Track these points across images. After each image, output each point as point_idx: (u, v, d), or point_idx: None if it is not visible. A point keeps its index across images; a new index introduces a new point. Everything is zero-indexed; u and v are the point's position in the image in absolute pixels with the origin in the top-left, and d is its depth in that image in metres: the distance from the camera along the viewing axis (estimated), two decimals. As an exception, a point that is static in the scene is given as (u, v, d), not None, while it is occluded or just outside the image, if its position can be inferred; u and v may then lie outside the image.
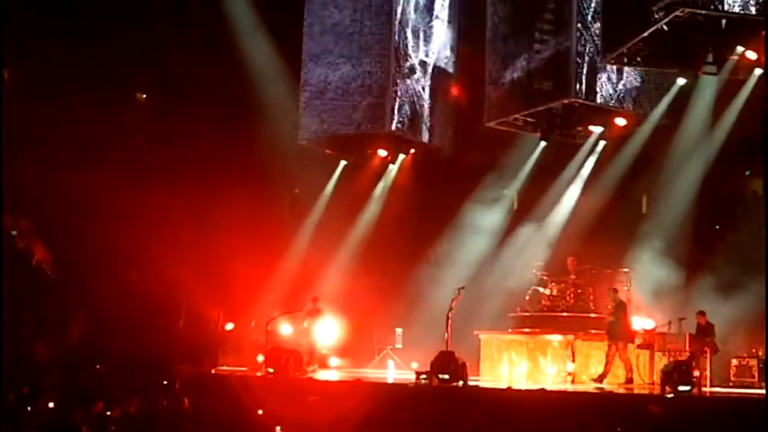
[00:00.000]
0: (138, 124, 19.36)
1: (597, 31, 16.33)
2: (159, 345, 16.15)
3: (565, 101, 17.49)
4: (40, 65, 18.61)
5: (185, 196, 18.57)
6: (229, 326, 18.26)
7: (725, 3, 13.81)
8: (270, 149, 19.37)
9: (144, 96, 20.51)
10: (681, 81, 17.46)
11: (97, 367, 14.69)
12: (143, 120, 19.71)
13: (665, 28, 14.91)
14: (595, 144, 19.22)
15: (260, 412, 10.81)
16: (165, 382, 12.85)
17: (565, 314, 16.87)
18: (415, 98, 19.07)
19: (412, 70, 19.06)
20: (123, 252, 18.74)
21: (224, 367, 16.64)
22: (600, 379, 15.19)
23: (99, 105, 18.07)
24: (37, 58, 18.52)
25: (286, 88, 19.64)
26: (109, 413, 9.76)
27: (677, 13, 13.96)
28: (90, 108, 17.94)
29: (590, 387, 14.89)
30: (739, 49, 15.69)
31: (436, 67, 19.51)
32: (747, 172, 18.59)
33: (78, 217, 18.01)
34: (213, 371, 16.00)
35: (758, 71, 16.28)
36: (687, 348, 15.02)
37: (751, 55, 15.73)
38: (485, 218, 20.09)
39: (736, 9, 13.63)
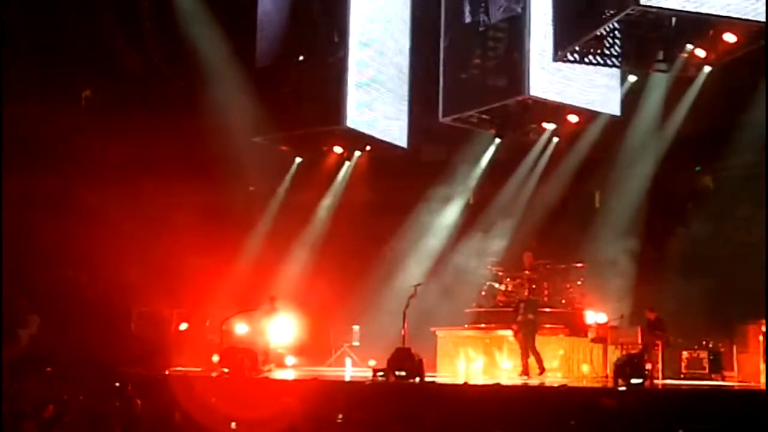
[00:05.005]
0: (85, 121, 19.01)
1: (550, 29, 16.44)
2: (111, 346, 15.89)
3: (519, 98, 17.58)
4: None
5: (136, 194, 18.31)
6: (183, 326, 18.04)
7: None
8: (224, 146, 19.17)
9: (89, 92, 20.15)
10: (632, 78, 17.71)
11: (48, 369, 14.41)
12: (91, 117, 19.37)
13: (616, 25, 15.08)
14: (549, 141, 19.40)
15: (213, 412, 10.70)
16: (117, 384, 12.65)
17: (520, 309, 16.95)
18: (371, 94, 19.02)
19: (367, 65, 19.00)
20: (73, 253, 18.42)
21: (178, 368, 16.43)
22: (541, 371, 15.53)
23: (45, 101, 17.72)
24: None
25: (241, 83, 19.44)
26: (59, 416, 9.58)
27: (628, 11, 14.11)
28: (35, 105, 17.59)
29: (545, 381, 15.03)
30: (689, 47, 15.94)
31: (391, 63, 19.49)
32: (697, 168, 18.92)
33: (26, 218, 17.66)
34: (166, 372, 15.78)
35: (707, 68, 16.59)
36: (639, 341, 15.22)
37: (700, 52, 16.02)
38: (441, 215, 20.17)
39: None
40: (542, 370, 15.53)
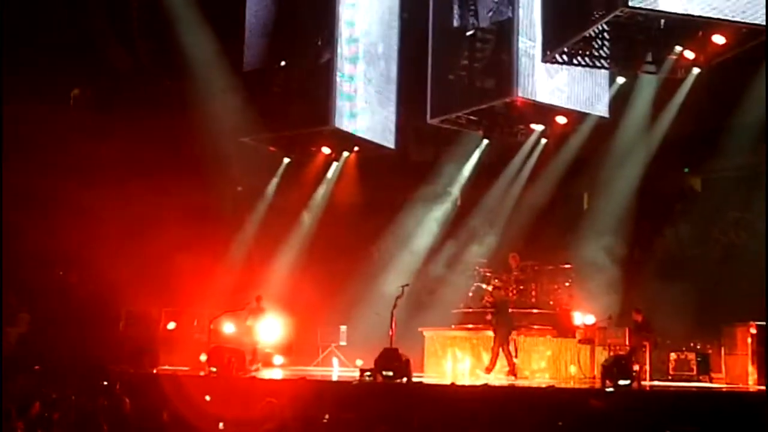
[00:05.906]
0: (74, 121, 18.94)
1: (538, 30, 16.48)
2: (99, 345, 15.83)
3: (507, 99, 17.61)
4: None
5: (125, 194, 18.24)
6: (171, 325, 17.99)
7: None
8: (212, 147, 19.13)
9: (77, 91, 20.07)
10: (621, 80, 17.76)
11: (36, 368, 14.34)
12: (80, 117, 19.30)
13: (605, 27, 15.13)
14: (537, 142, 19.43)
15: (201, 411, 10.66)
16: (105, 383, 12.59)
17: (507, 310, 16.98)
18: (359, 95, 19.02)
19: (356, 66, 19.00)
20: (62, 252, 18.33)
21: (166, 367, 16.39)
22: (488, 370, 15.63)
23: (34, 101, 17.62)
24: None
25: (229, 84, 19.41)
26: (47, 414, 9.52)
27: (617, 12, 14.16)
28: (24, 105, 17.49)
29: (533, 382, 15.05)
30: (678, 48, 16.00)
31: (379, 64, 19.50)
32: (685, 170, 19.00)
33: (15, 217, 17.54)
34: (154, 371, 15.73)
35: (696, 70, 16.62)
36: (627, 343, 15.26)
37: (689, 54, 16.06)
38: (429, 215, 20.19)
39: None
40: (488, 370, 15.61)
